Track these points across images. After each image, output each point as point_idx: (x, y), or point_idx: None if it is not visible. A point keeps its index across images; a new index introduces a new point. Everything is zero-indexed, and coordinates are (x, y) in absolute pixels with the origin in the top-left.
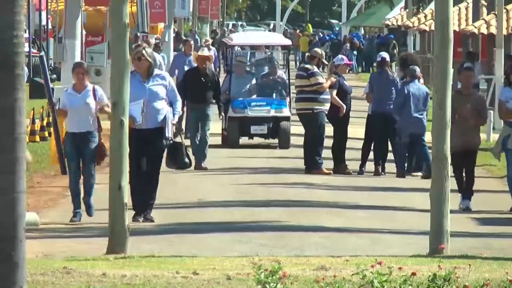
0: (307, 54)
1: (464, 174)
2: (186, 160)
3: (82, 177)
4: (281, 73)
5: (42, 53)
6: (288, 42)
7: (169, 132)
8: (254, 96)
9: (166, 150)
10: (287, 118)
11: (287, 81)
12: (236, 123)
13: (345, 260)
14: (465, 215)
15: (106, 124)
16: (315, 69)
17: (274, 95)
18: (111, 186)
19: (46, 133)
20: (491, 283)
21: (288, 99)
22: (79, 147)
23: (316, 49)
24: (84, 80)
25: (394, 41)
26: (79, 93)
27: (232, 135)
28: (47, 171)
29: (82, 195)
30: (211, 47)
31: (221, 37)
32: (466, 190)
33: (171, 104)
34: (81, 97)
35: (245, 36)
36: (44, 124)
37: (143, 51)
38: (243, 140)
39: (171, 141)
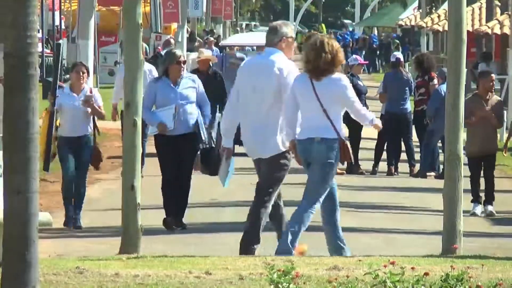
0: None
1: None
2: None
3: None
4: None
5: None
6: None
7: (205, 136)
8: None
9: (199, 155)
10: None
11: None
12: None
13: (358, 260)
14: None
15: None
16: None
17: None
18: (124, 187)
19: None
20: (504, 283)
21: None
22: (74, 152)
23: None
24: (83, 80)
25: (398, 41)
26: (76, 94)
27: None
28: (60, 171)
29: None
30: (213, 47)
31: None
32: (487, 195)
33: (200, 107)
34: (78, 99)
35: (238, 37)
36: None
37: (183, 55)
38: None
39: (207, 145)
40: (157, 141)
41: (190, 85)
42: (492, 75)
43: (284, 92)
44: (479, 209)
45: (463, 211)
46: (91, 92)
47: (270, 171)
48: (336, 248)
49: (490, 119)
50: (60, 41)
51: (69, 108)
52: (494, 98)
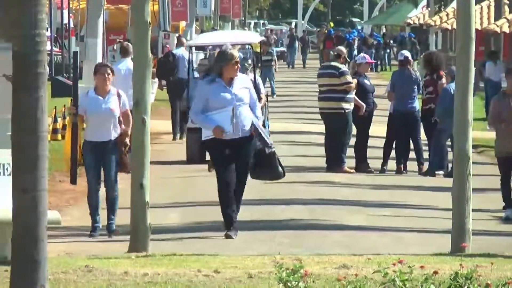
0: (332, 52)
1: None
2: (281, 169)
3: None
4: (250, 75)
5: (77, 48)
6: (258, 39)
7: (267, 138)
8: None
9: (256, 159)
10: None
11: (258, 83)
12: (196, 135)
13: (367, 259)
14: (487, 214)
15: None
16: (345, 67)
17: None
18: (133, 185)
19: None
20: None
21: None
22: (100, 157)
23: (340, 47)
24: (109, 82)
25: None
26: (102, 97)
27: (192, 148)
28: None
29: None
30: None
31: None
32: None
33: (251, 108)
34: (105, 102)
35: (209, 36)
36: (66, 122)
37: (236, 55)
38: None
39: (272, 148)
40: (210, 147)
41: (243, 85)
42: None
43: None
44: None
45: (472, 209)
46: (118, 94)
47: None
48: None
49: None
50: (77, 49)
51: (95, 112)
52: None
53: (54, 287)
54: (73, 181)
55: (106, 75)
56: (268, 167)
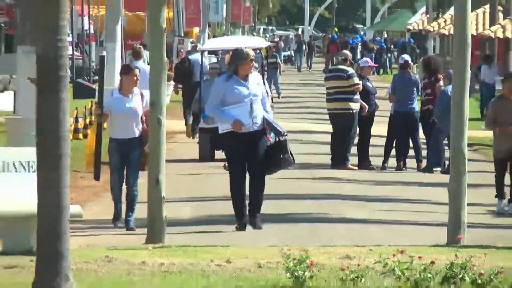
0: (338, 57)
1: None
2: (291, 157)
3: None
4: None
5: (104, 53)
6: (265, 44)
7: (279, 127)
8: None
9: (267, 154)
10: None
11: (265, 85)
12: (208, 135)
13: (369, 250)
14: (481, 208)
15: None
16: (352, 70)
17: None
18: (150, 181)
19: (89, 131)
20: (505, 271)
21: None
22: (124, 154)
23: (345, 51)
24: (137, 84)
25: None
26: (126, 97)
27: (204, 147)
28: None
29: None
30: None
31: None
32: None
33: (262, 103)
34: (128, 102)
35: (219, 41)
36: (87, 122)
37: (251, 54)
38: None
39: (285, 135)
40: (226, 140)
41: (257, 81)
42: None
43: None
44: (504, 203)
45: (468, 204)
46: (141, 94)
47: None
48: None
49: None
50: (103, 53)
51: (120, 112)
52: None
53: (77, 277)
54: (97, 177)
55: (135, 77)
56: (283, 154)
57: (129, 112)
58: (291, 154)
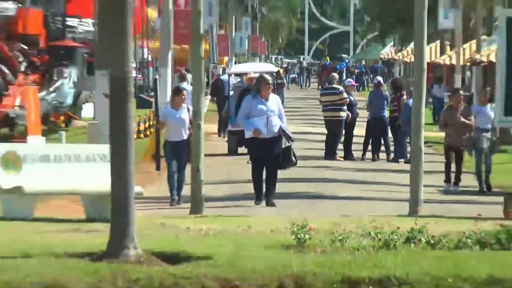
0: (329, 78)
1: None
2: (294, 159)
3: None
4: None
5: (157, 76)
6: (275, 69)
7: (290, 133)
8: None
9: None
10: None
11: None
12: (234, 136)
13: (352, 219)
14: (434, 189)
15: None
16: (342, 88)
17: None
18: (192, 169)
19: (149, 132)
20: (450, 234)
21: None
22: (176, 152)
23: (335, 74)
24: (184, 102)
25: (384, 69)
26: (176, 110)
27: (231, 144)
28: (147, 159)
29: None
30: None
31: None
32: (456, 178)
33: (280, 117)
34: (178, 114)
35: (242, 67)
36: (146, 126)
37: (270, 81)
38: None
39: (293, 141)
40: (249, 143)
41: (275, 102)
42: (461, 91)
43: None
44: (450, 185)
45: (424, 185)
46: (187, 108)
47: None
48: None
49: (463, 124)
50: (156, 77)
51: (172, 120)
52: (462, 107)
53: (139, 238)
54: (158, 168)
55: (183, 97)
56: (288, 157)
57: (180, 122)
58: (295, 157)
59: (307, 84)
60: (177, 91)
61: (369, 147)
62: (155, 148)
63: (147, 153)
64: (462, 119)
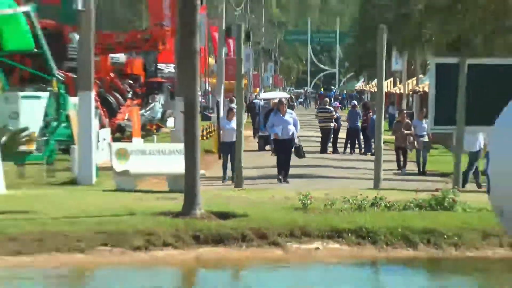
0: (323, 103)
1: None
2: (303, 154)
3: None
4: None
5: (218, 100)
6: (288, 96)
7: (297, 139)
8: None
9: (293, 148)
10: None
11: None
12: (262, 139)
13: (337, 190)
14: (389, 172)
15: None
16: (332, 108)
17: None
18: (236, 159)
19: (209, 136)
20: (400, 201)
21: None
22: (229, 149)
23: (326, 99)
24: (234, 116)
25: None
26: (229, 121)
27: (260, 144)
28: (208, 153)
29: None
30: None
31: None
32: (403, 166)
33: (295, 126)
34: (230, 124)
35: (267, 94)
36: (207, 132)
37: (285, 103)
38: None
39: (298, 145)
40: (274, 141)
41: (291, 116)
42: (405, 111)
43: None
44: (400, 171)
45: (383, 169)
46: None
47: None
48: None
49: (407, 135)
50: (218, 99)
51: (227, 128)
52: (406, 122)
53: (203, 202)
54: (220, 157)
55: (233, 113)
56: (298, 152)
57: (230, 129)
58: (303, 152)
59: (309, 106)
60: (229, 110)
61: (348, 145)
62: (217, 145)
63: (214, 147)
64: (405, 131)
